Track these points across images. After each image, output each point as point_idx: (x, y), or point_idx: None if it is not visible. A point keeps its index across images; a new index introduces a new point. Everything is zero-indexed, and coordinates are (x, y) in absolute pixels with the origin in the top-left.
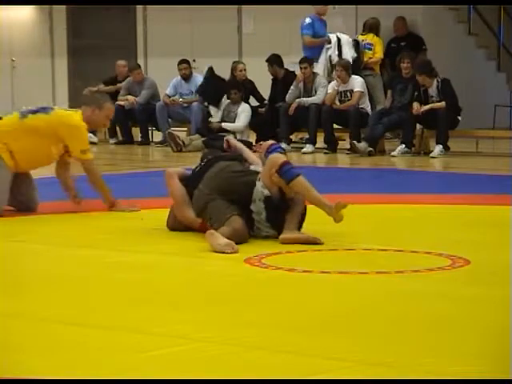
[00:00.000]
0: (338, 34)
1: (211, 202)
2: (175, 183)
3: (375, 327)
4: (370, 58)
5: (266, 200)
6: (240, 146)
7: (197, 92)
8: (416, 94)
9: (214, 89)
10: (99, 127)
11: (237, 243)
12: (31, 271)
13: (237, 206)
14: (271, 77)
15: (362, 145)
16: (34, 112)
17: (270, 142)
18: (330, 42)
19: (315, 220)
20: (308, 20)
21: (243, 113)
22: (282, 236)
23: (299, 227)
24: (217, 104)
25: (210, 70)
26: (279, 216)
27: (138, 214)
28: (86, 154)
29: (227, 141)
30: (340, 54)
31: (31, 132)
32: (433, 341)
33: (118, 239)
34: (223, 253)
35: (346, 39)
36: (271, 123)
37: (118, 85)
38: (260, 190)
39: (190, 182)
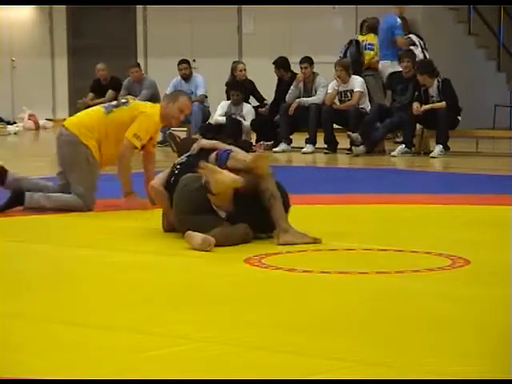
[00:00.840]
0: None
1: (191, 224)
2: (161, 197)
3: (375, 327)
4: (373, 58)
5: (229, 218)
6: (219, 146)
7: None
8: (416, 94)
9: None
10: (173, 120)
11: (238, 243)
12: (31, 271)
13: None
14: (272, 77)
15: (355, 135)
16: (117, 106)
17: (215, 152)
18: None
19: (315, 220)
20: (399, 20)
21: (249, 113)
22: (278, 241)
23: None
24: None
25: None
26: (253, 218)
27: (144, 214)
28: (136, 140)
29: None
30: (424, 55)
31: (117, 126)
32: (433, 341)
33: (118, 239)
34: (204, 251)
35: (419, 41)
36: (272, 123)
37: (107, 96)
38: (219, 212)
39: (168, 189)
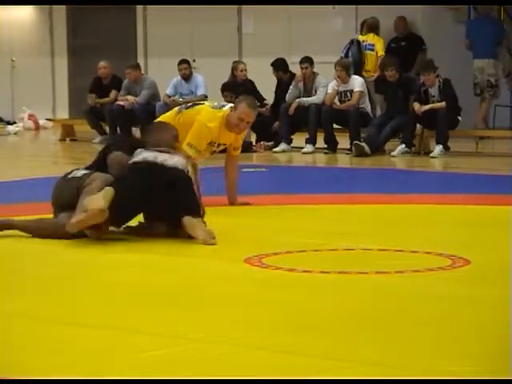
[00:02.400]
0: None
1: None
2: None
3: (375, 327)
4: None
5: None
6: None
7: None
8: (414, 96)
9: None
10: (233, 129)
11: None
12: (31, 271)
13: None
14: (272, 77)
15: (364, 145)
16: (186, 108)
17: None
18: None
19: (316, 220)
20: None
21: None
22: None
23: None
24: None
25: None
26: None
27: None
28: (189, 148)
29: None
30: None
31: (181, 127)
32: (433, 341)
33: (118, 239)
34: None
35: None
36: (272, 123)
37: (111, 96)
38: None
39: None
